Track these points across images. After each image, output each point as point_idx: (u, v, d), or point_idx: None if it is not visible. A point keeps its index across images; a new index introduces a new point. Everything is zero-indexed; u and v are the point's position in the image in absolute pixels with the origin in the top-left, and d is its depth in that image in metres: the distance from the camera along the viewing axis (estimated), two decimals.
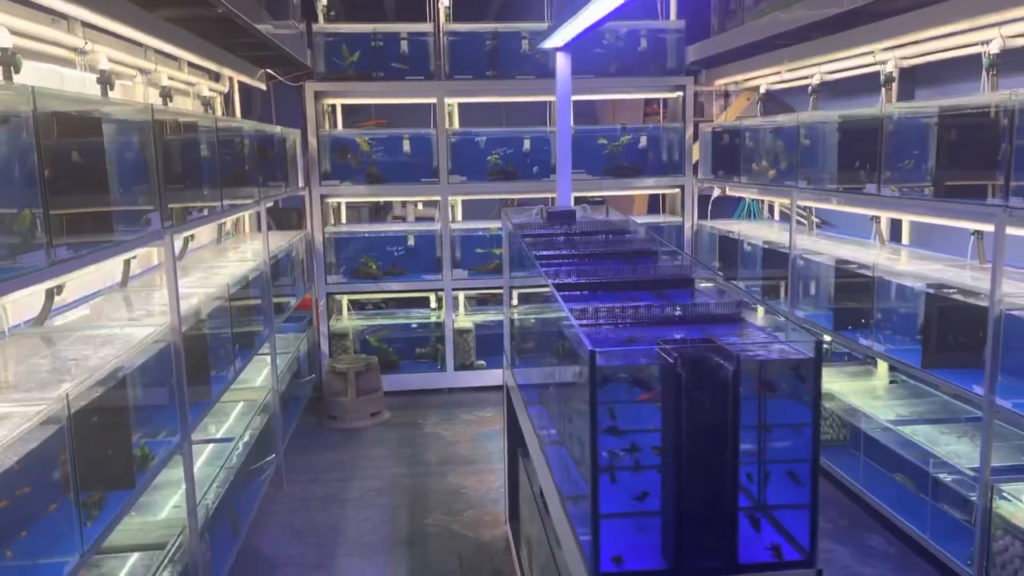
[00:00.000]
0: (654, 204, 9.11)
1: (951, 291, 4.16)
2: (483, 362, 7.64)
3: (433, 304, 8.08)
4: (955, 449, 4.22)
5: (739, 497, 2.25)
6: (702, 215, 7.69)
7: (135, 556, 3.34)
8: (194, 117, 4.13)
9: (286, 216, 8.85)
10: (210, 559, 3.91)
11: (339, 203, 8.20)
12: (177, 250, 5.11)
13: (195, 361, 3.69)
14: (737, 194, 7.36)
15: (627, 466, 2.62)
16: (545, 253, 3.67)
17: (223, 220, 6.04)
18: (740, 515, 2.27)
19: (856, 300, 4.92)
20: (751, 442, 2.64)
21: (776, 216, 7.57)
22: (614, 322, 2.69)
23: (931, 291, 4.29)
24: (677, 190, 7.75)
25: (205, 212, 4.15)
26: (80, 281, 3.93)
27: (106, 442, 2.78)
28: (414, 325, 7.90)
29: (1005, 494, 3.68)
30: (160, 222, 3.30)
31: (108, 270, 4.25)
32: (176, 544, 3.38)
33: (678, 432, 2.20)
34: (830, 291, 5.29)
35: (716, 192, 7.51)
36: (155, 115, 3.32)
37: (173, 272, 3.37)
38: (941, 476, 4.20)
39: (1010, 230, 3.60)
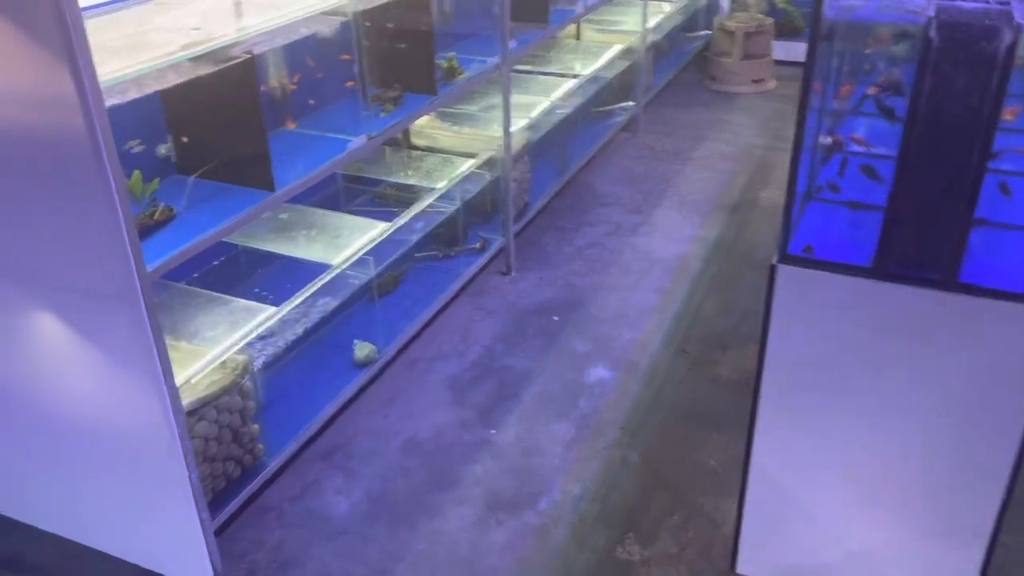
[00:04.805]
0: None
1: None
2: None
3: None
4: None
5: (977, 207, 1.83)
6: None
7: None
8: None
9: None
10: (529, 179, 4.32)
11: None
12: None
13: None
14: None
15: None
16: None
17: None
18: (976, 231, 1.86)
19: None
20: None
21: None
22: None
23: None
24: None
25: None
26: None
27: (402, 47, 3.09)
28: None
29: None
30: None
31: None
32: (488, 157, 3.79)
33: (914, 113, 1.80)
34: None
35: None
36: None
37: None
38: None
39: None
